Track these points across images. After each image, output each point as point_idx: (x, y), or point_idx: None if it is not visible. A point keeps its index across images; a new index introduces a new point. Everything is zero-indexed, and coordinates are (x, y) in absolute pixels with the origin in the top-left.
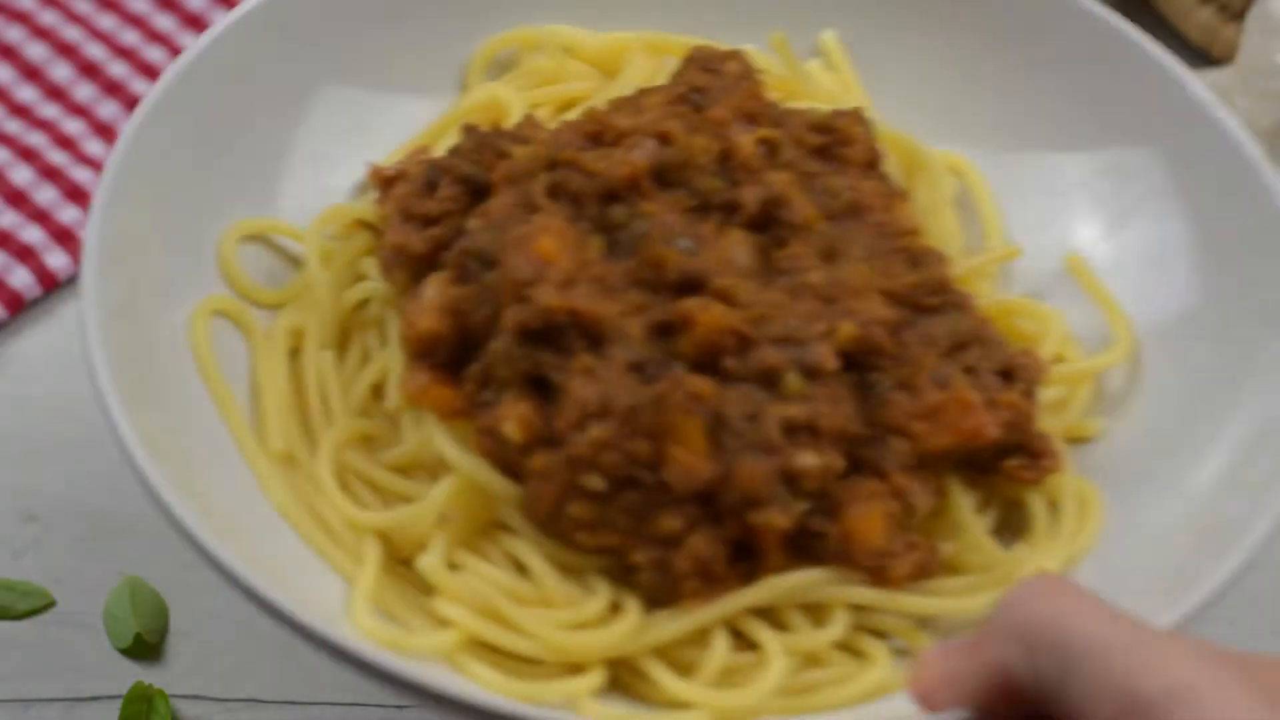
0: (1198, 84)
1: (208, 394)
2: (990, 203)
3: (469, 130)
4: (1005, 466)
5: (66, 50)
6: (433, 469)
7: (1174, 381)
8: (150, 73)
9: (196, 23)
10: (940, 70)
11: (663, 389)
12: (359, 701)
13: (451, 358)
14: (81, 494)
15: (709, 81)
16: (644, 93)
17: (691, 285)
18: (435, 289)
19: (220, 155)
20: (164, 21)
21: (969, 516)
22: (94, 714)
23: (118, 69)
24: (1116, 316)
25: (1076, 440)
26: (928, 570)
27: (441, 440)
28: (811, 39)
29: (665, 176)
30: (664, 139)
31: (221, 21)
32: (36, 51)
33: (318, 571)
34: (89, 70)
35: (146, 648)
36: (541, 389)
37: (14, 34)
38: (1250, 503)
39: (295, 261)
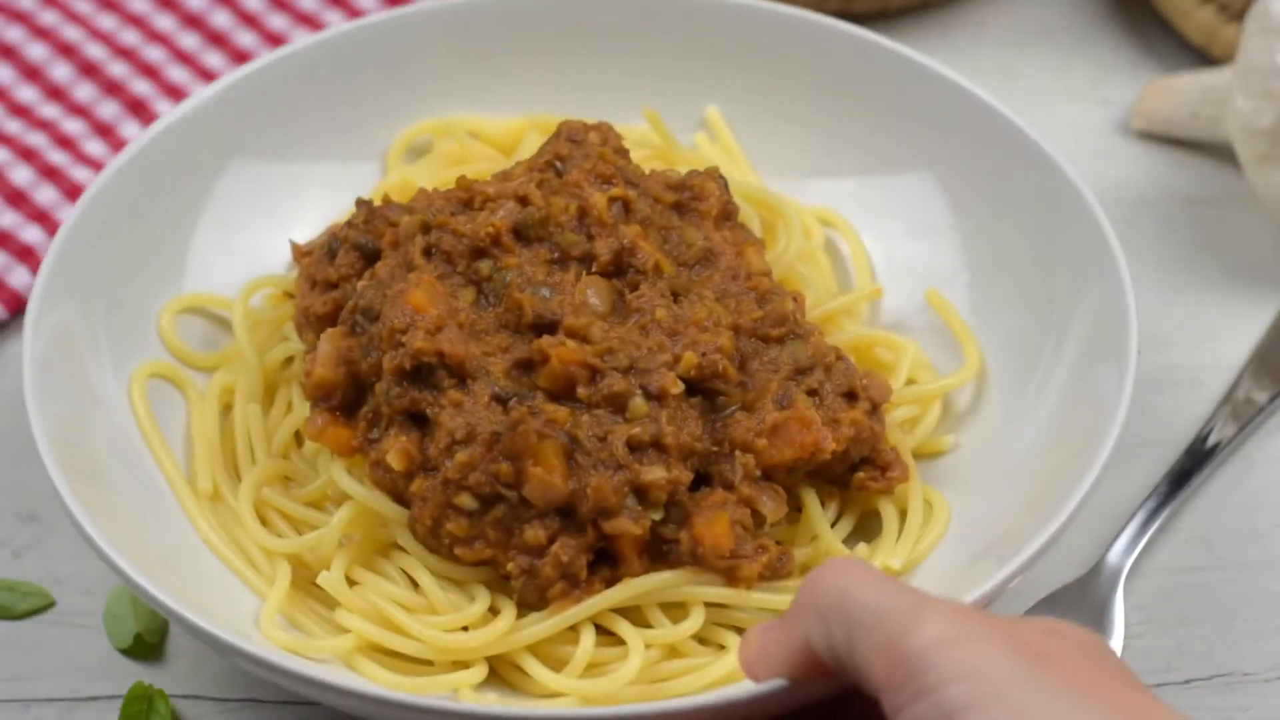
0: (1046, 146)
1: (144, 445)
2: (860, 248)
3: (360, 204)
4: (855, 478)
5: (66, 50)
6: (340, 501)
7: (1009, 387)
8: (150, 73)
9: (196, 23)
10: (811, 134)
11: (519, 416)
12: None
13: (347, 401)
14: None
15: (571, 150)
16: (517, 164)
17: (548, 326)
18: (328, 342)
19: (161, 239)
20: (164, 21)
21: (821, 524)
22: (94, 714)
23: (118, 69)
24: (968, 343)
25: (931, 455)
26: (779, 571)
27: (339, 474)
28: (699, 114)
29: (527, 233)
30: (523, 201)
31: (167, 116)
32: (36, 51)
33: (239, 593)
34: (89, 70)
35: (146, 648)
36: (421, 424)
37: (14, 34)
38: (1064, 478)
39: (230, 329)
